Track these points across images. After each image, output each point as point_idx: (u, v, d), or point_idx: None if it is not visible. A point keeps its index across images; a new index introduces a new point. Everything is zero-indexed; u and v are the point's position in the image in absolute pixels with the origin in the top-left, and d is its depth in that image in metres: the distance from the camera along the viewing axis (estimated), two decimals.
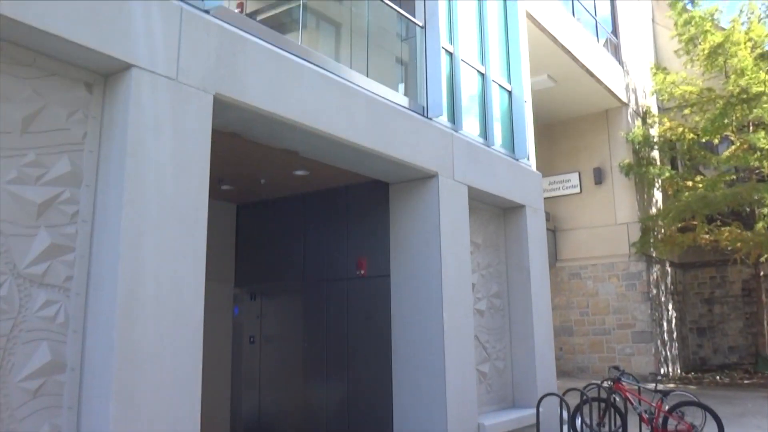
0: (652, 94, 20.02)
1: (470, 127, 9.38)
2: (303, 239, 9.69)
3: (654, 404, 9.79)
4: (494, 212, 10.11)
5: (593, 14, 17.46)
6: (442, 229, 8.12)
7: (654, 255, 19.13)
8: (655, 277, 19.29)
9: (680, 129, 18.37)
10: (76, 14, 4.57)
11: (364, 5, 8.32)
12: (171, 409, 4.89)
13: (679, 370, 19.99)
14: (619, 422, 9.75)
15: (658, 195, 20.29)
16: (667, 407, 9.47)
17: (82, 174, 5.00)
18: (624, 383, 10.35)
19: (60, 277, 4.82)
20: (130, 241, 4.76)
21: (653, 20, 21.88)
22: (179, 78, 5.20)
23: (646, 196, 19.73)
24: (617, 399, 10.10)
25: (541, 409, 8.82)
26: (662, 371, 18.60)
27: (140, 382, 4.70)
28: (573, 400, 9.47)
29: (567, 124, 19.96)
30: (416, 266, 8.26)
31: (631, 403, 10.03)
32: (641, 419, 9.84)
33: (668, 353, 19.59)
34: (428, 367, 7.98)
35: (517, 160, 10.33)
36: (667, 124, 18.90)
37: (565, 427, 9.28)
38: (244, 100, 5.78)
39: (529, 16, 12.49)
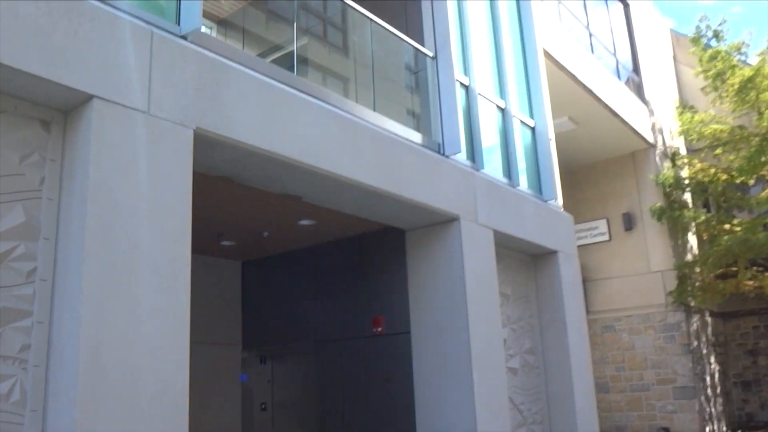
0: (680, 134, 19.24)
1: (492, 166, 8.58)
2: (314, 296, 8.87)
3: None
4: (523, 260, 9.24)
5: (613, 53, 16.83)
6: (467, 278, 7.26)
7: (692, 304, 18.13)
8: (695, 328, 18.33)
9: (712, 170, 17.51)
10: (25, 39, 3.91)
11: (368, 36, 7.66)
12: None
13: (724, 428, 18.76)
14: None
15: (692, 240, 19.38)
16: None
17: (39, 225, 4.26)
18: None
19: (14, 347, 4.06)
20: (93, 301, 3.98)
21: (674, 59, 21.26)
22: (151, 111, 4.49)
23: (680, 242, 18.87)
24: None
25: None
26: (707, 430, 17.43)
27: None
28: None
29: (591, 169, 19.23)
30: (440, 321, 7.38)
31: None
32: None
33: (713, 410, 18.47)
34: None
35: (546, 201, 9.49)
36: (698, 166, 18.05)
37: None
38: (232, 136, 5.06)
39: (547, 55, 11.83)
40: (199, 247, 8.91)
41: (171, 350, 4.35)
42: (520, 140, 9.41)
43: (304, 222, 7.65)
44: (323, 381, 8.62)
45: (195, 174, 4.75)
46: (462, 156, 7.92)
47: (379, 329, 7.95)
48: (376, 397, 7.94)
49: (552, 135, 10.18)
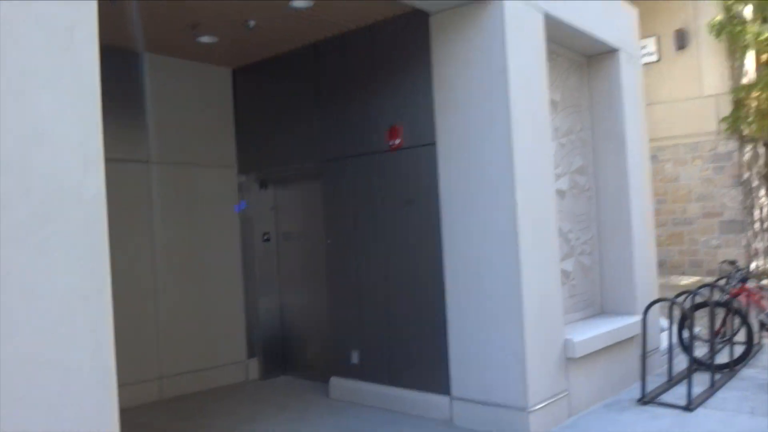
0: None
1: None
2: (318, 106, 7.30)
3: None
4: (575, 60, 7.48)
5: None
6: (510, 74, 5.60)
7: (746, 133, 16.68)
8: (747, 159, 17.07)
9: None
10: None
11: None
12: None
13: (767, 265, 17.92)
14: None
15: (751, 62, 17.56)
16: None
17: None
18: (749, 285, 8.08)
19: None
20: None
21: None
22: None
23: (738, 63, 17.10)
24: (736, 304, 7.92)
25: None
26: (753, 266, 16.45)
27: None
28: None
29: None
30: (474, 130, 5.82)
31: (765, 310, 7.70)
32: None
33: (759, 245, 17.51)
34: (496, 266, 5.71)
35: None
36: None
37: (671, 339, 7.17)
38: None
39: None
40: (173, 47, 7.13)
41: (75, 141, 2.85)
42: None
43: (297, 3, 5.90)
44: (333, 206, 7.22)
45: None
46: None
47: (398, 141, 6.41)
48: (394, 222, 6.55)
49: None
